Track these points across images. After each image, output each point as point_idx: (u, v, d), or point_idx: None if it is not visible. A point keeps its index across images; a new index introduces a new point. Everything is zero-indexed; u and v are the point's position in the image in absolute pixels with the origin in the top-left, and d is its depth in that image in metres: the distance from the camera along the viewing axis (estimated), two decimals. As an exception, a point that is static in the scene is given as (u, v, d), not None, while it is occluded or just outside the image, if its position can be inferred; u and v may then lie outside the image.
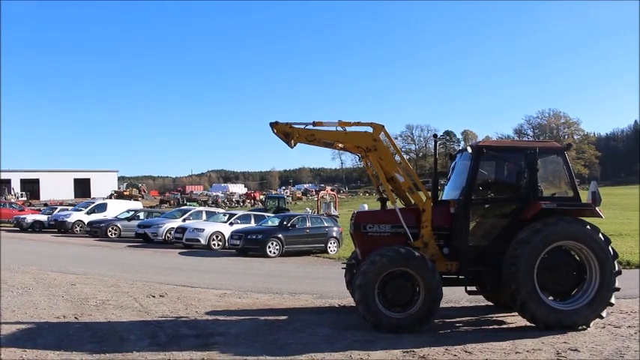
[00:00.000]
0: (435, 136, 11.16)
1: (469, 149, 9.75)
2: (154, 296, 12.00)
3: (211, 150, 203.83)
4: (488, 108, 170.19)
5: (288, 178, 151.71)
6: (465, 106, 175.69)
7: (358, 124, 9.74)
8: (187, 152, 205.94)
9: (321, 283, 14.81)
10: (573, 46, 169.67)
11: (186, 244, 25.15)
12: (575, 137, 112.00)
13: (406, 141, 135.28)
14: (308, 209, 41.33)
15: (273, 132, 9.63)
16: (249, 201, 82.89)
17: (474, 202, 9.55)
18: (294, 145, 9.77)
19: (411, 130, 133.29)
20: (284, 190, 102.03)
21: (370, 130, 9.76)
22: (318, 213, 38.02)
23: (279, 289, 13.62)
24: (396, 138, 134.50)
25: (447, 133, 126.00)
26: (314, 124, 9.62)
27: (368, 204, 28.03)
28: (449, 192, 10.57)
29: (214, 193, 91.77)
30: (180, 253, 23.18)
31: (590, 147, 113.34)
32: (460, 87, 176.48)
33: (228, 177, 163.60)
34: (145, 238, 28.16)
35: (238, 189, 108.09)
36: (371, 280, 8.74)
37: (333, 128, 9.65)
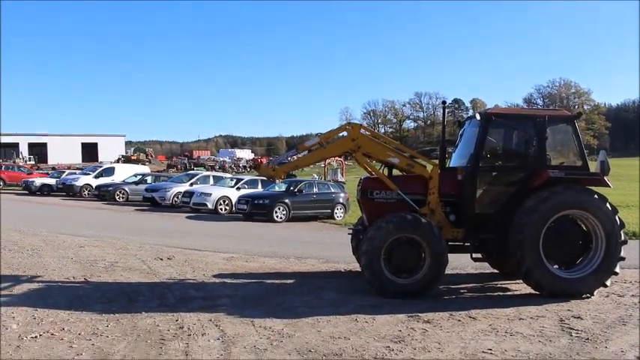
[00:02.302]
0: (443, 103, 11.10)
1: (478, 116, 9.70)
2: (161, 259, 12.15)
3: (219, 115, 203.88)
4: (497, 77, 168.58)
5: (296, 143, 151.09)
6: (474, 75, 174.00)
7: (337, 130, 10.25)
8: (194, 117, 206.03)
9: (328, 248, 14.92)
10: (586, 15, 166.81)
11: (193, 208, 25.33)
12: (585, 107, 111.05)
13: (414, 108, 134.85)
14: (315, 175, 41.41)
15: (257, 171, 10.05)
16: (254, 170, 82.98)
17: (481, 170, 9.52)
18: (281, 180, 10.33)
19: (419, 97, 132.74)
20: (291, 157, 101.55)
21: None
22: (325, 179, 38.08)
23: (285, 253, 13.73)
24: (404, 105, 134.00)
25: (456, 101, 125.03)
26: (297, 147, 10.26)
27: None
28: (456, 159, 10.54)
29: (221, 159, 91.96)
30: (187, 217, 23.39)
31: (600, 117, 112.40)
32: (469, 55, 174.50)
33: (236, 142, 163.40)
34: (152, 202, 28.41)
35: (245, 154, 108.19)
36: (377, 246, 8.78)
37: (316, 140, 9.94)
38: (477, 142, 9.52)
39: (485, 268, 11.23)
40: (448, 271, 9.39)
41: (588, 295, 9.01)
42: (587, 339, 6.81)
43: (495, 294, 9.49)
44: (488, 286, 10.12)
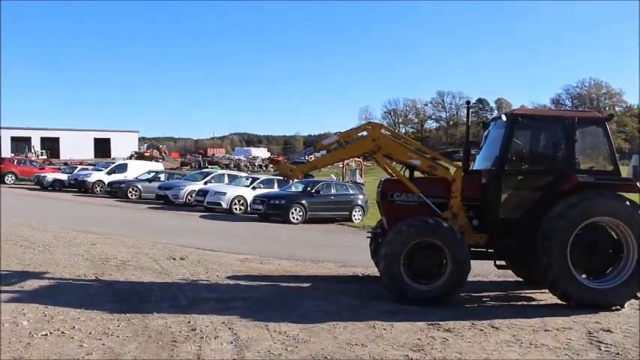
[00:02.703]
0: (467, 103, 10.98)
1: (503, 117, 9.62)
2: (174, 259, 12.24)
3: (234, 112, 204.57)
4: (523, 76, 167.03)
5: (313, 142, 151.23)
6: (500, 74, 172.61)
7: (356, 130, 10.33)
8: (209, 114, 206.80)
9: (345, 251, 14.92)
10: (619, 12, 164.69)
11: (207, 207, 25.53)
12: (617, 109, 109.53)
13: (436, 108, 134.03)
14: (333, 176, 41.37)
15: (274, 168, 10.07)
16: (272, 165, 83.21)
17: (506, 173, 9.44)
18: (298, 180, 10.40)
19: (442, 96, 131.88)
20: (308, 156, 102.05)
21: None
22: (343, 180, 38.06)
23: (301, 255, 13.76)
24: (426, 104, 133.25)
25: (480, 101, 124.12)
26: (315, 146, 10.31)
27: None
28: (480, 162, 10.47)
29: (236, 157, 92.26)
30: (201, 217, 23.56)
31: (633, 120, 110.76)
32: (494, 53, 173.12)
33: (251, 140, 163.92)
34: (165, 200, 28.70)
35: (261, 153, 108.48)
36: (397, 251, 8.75)
37: (335, 139, 9.94)
38: (503, 144, 9.43)
39: (509, 276, 11.14)
40: (470, 278, 9.32)
41: (618, 307, 8.86)
42: (617, 354, 6.69)
43: (519, 303, 9.42)
44: (512, 295, 10.03)
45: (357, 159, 41.77)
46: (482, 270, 11.36)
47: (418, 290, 8.78)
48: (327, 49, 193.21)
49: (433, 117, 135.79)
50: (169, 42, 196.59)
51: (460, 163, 9.95)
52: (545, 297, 9.57)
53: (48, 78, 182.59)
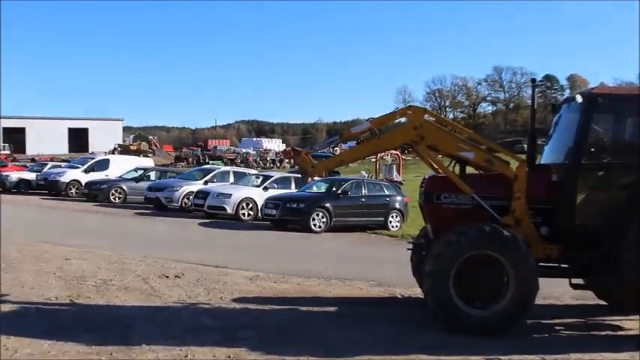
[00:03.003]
0: (532, 81, 10.92)
1: (579, 98, 9.56)
2: (167, 277, 12.30)
3: (241, 95, 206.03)
4: (602, 47, 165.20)
5: (339, 130, 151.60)
6: (572, 44, 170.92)
7: (393, 115, 10.30)
8: (210, 98, 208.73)
9: (380, 267, 14.89)
10: None
11: (208, 212, 25.74)
12: None
13: (493, 87, 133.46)
14: (364, 172, 41.33)
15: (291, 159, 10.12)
16: (287, 161, 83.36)
17: (583, 168, 9.36)
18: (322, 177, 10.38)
19: (499, 73, 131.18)
20: (333, 147, 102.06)
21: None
22: (376, 178, 37.96)
23: (325, 272, 13.76)
24: (480, 83, 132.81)
25: (548, 78, 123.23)
26: (342, 134, 10.33)
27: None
28: (550, 154, 10.41)
29: (244, 150, 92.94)
30: (200, 224, 23.73)
31: None
32: (564, 17, 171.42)
33: (262, 130, 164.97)
34: (156, 205, 28.98)
35: (274, 145, 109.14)
36: (445, 266, 8.72)
37: (366, 126, 9.88)
38: (578, 132, 9.37)
39: (589, 298, 11.00)
40: (538, 300, 9.23)
41: None
42: None
43: (602, 333, 9.34)
44: (592, 323, 9.95)
45: (394, 152, 41.53)
46: (554, 291, 11.22)
47: (473, 316, 8.74)
48: (353, 17, 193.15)
49: (488, 99, 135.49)
50: (158, 11, 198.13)
51: (524, 156, 9.88)
52: (636, 325, 9.43)
53: (12, 57, 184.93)
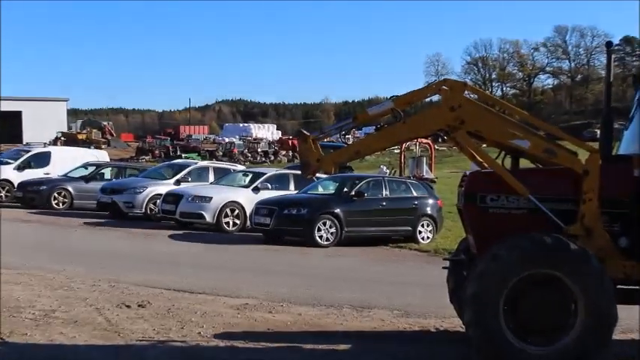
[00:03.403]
0: (607, 45, 10.92)
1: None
2: (128, 306, 12.25)
3: (222, 68, 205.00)
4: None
5: (352, 112, 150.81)
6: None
7: (423, 92, 10.14)
8: (183, 71, 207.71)
9: (407, 291, 14.95)
10: None
11: (181, 221, 25.74)
12: None
13: (554, 54, 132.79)
14: (384, 168, 41.36)
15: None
16: (284, 152, 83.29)
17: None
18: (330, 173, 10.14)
19: (562, 34, 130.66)
20: (344, 135, 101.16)
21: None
22: (401, 174, 37.90)
23: (335, 298, 13.78)
24: (536, 49, 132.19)
25: (627, 40, 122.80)
26: (356, 120, 10.04)
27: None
28: (631, 142, 10.36)
29: (227, 139, 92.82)
30: (171, 237, 23.71)
31: None
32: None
33: (251, 113, 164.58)
34: (113, 211, 28.91)
35: (267, 132, 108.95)
36: (493, 290, 8.69)
37: (388, 106, 9.71)
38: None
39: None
40: (616, 334, 9.24)
41: None
42: None
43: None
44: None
45: (425, 141, 41.24)
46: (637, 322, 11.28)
47: (529, 355, 8.74)
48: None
49: (548, 69, 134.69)
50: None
51: (596, 145, 9.92)
52: None
53: None
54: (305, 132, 9.95)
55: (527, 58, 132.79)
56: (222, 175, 29.68)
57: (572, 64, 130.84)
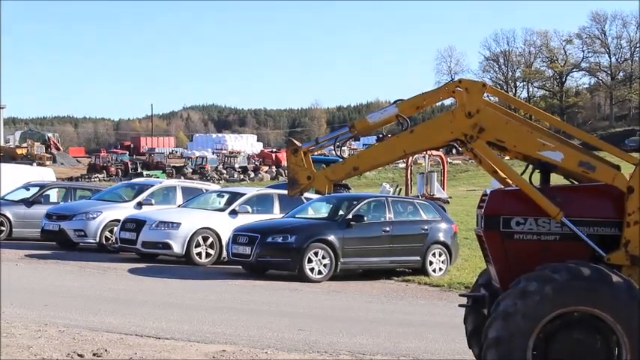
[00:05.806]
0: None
1: None
2: (81, 355, 12.24)
3: (193, 68, 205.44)
4: None
5: (345, 121, 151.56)
6: None
7: (434, 95, 10.08)
8: (143, 74, 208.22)
9: (415, 333, 14.99)
10: None
11: (143, 252, 25.81)
12: None
13: (590, 47, 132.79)
14: (386, 185, 41.45)
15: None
16: (266, 168, 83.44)
17: None
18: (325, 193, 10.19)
19: (600, 23, 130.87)
20: (339, 146, 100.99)
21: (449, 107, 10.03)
22: (407, 193, 38.00)
23: (330, 343, 13.81)
24: (569, 41, 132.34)
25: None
26: (354, 129, 10.04)
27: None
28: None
29: (197, 153, 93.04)
30: (131, 271, 23.78)
31: None
32: None
33: (225, 121, 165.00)
34: (61, 241, 29.03)
35: (246, 144, 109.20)
36: (521, 331, 8.72)
37: (393, 112, 9.78)
38: None
39: None
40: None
41: None
42: None
43: None
44: None
45: (436, 153, 41.31)
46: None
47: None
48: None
49: (583, 65, 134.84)
50: None
51: (642, 158, 9.92)
52: None
53: None
54: (296, 142, 9.89)
55: (558, 53, 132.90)
56: (192, 197, 29.65)
57: (613, 59, 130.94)
